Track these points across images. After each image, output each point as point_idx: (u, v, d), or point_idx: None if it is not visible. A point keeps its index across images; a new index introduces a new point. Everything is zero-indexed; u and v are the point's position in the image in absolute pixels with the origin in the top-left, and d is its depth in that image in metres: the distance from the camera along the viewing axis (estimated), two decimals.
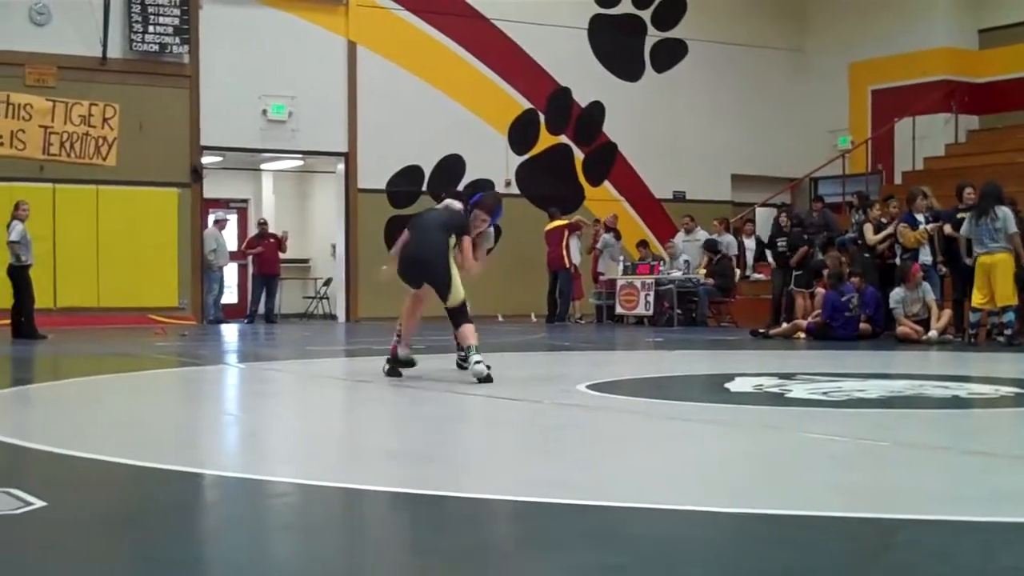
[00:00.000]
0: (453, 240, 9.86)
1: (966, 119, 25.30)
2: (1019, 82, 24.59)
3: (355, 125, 23.65)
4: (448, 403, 8.62)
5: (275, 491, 5.15)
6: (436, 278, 9.77)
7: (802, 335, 16.69)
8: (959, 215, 15.66)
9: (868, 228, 17.15)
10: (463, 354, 10.03)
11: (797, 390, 8.95)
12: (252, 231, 25.09)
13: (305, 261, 27.81)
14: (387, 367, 10.19)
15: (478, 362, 9.48)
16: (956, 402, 8.54)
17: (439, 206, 10.63)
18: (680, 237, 22.87)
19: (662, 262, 22.41)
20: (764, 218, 23.90)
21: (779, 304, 18.59)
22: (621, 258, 23.19)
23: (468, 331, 9.68)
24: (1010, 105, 24.59)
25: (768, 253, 20.38)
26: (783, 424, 7.35)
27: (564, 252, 22.56)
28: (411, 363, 10.30)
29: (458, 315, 9.74)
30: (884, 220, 16.96)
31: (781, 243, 19.10)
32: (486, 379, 9.40)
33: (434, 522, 4.52)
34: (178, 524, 4.49)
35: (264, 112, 22.82)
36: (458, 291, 9.73)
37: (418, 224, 10.09)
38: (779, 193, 25.89)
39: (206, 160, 23.15)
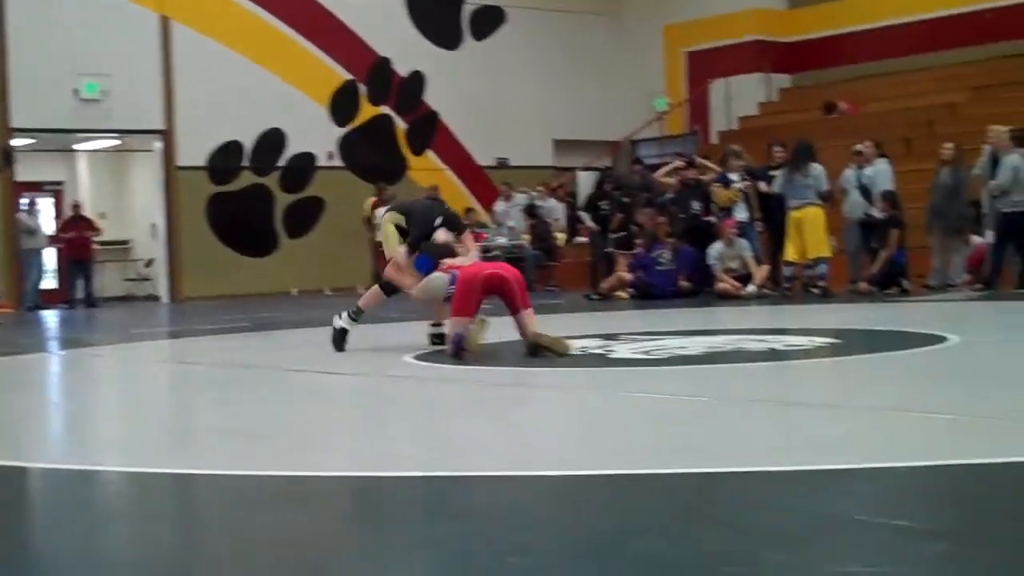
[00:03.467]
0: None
1: (778, 78, 25.93)
2: (827, 40, 25.32)
3: (172, 102, 23.16)
4: (275, 382, 8.55)
5: (102, 480, 5.08)
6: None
7: (624, 294, 16.94)
8: (770, 172, 16.15)
9: (660, 172, 18.01)
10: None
11: (620, 350, 9.11)
12: (68, 214, 24.38)
13: (125, 242, 27.17)
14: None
15: (341, 324, 10.02)
16: (773, 355, 8.78)
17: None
18: (501, 205, 22.95)
19: (487, 229, 22.49)
20: (586, 181, 24.20)
21: (597, 266, 18.94)
22: None
23: (370, 294, 10.31)
24: (819, 63, 25.31)
25: (586, 216, 20.53)
26: (607, 385, 7.49)
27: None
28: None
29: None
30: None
31: (604, 206, 19.33)
32: (335, 335, 9.96)
33: (260, 502, 4.50)
34: (1, 521, 4.40)
35: (76, 91, 22.20)
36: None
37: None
38: (600, 157, 26.18)
39: (16, 142, 22.46)
